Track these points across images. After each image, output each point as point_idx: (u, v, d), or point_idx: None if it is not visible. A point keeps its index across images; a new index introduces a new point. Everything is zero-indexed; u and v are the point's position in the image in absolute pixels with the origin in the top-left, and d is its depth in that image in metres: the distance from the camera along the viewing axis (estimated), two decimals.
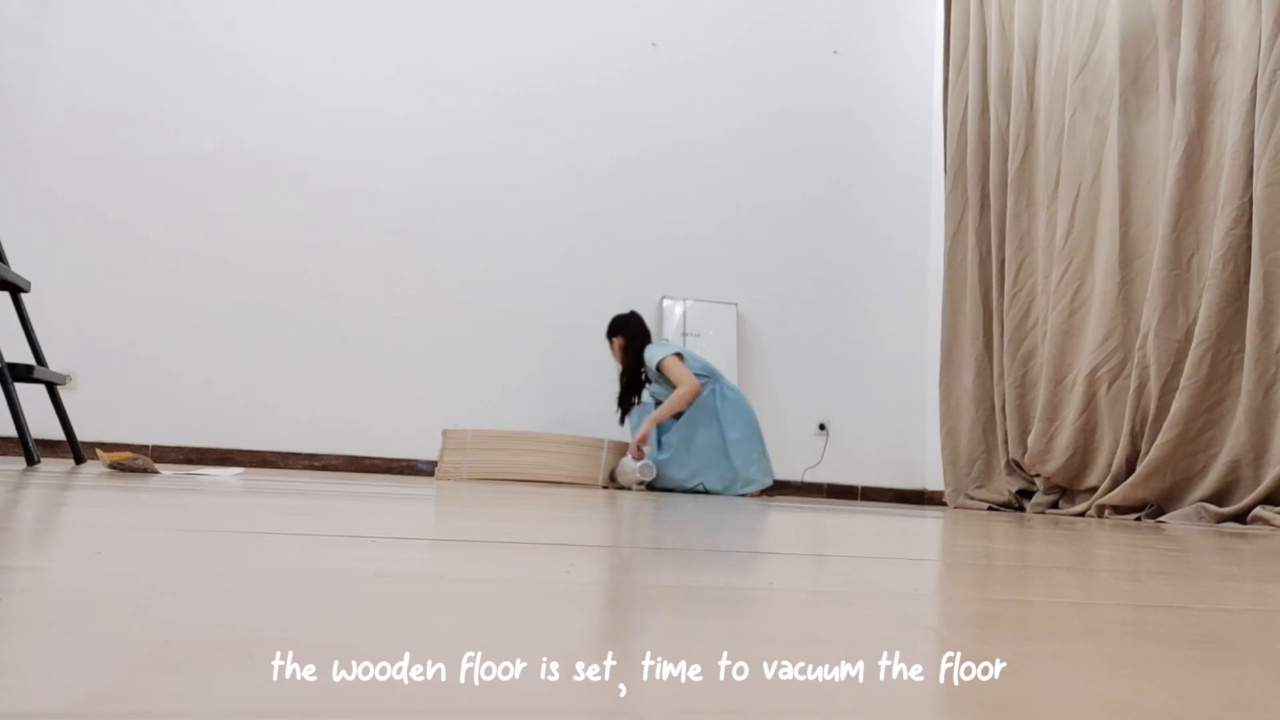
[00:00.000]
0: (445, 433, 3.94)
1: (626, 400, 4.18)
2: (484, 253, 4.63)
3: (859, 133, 5.16)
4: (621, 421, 4.21)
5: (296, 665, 0.33)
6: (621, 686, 0.33)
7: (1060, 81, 3.92)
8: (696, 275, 4.84)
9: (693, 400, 3.97)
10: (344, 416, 4.36)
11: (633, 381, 4.14)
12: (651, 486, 3.99)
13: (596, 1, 4.91)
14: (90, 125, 4.28)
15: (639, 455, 3.94)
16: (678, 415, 4.00)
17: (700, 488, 3.96)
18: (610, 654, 0.39)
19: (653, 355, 4.05)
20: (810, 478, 4.86)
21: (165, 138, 4.34)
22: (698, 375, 4.03)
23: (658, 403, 4.10)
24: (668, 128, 4.91)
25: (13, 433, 3.71)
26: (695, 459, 3.97)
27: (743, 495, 3.98)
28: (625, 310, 4.32)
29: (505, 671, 0.34)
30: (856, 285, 5.06)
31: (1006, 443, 4.09)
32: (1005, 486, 4.06)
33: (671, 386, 4.02)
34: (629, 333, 4.17)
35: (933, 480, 4.83)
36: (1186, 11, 3.26)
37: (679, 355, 4.03)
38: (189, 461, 4.15)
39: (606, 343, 4.27)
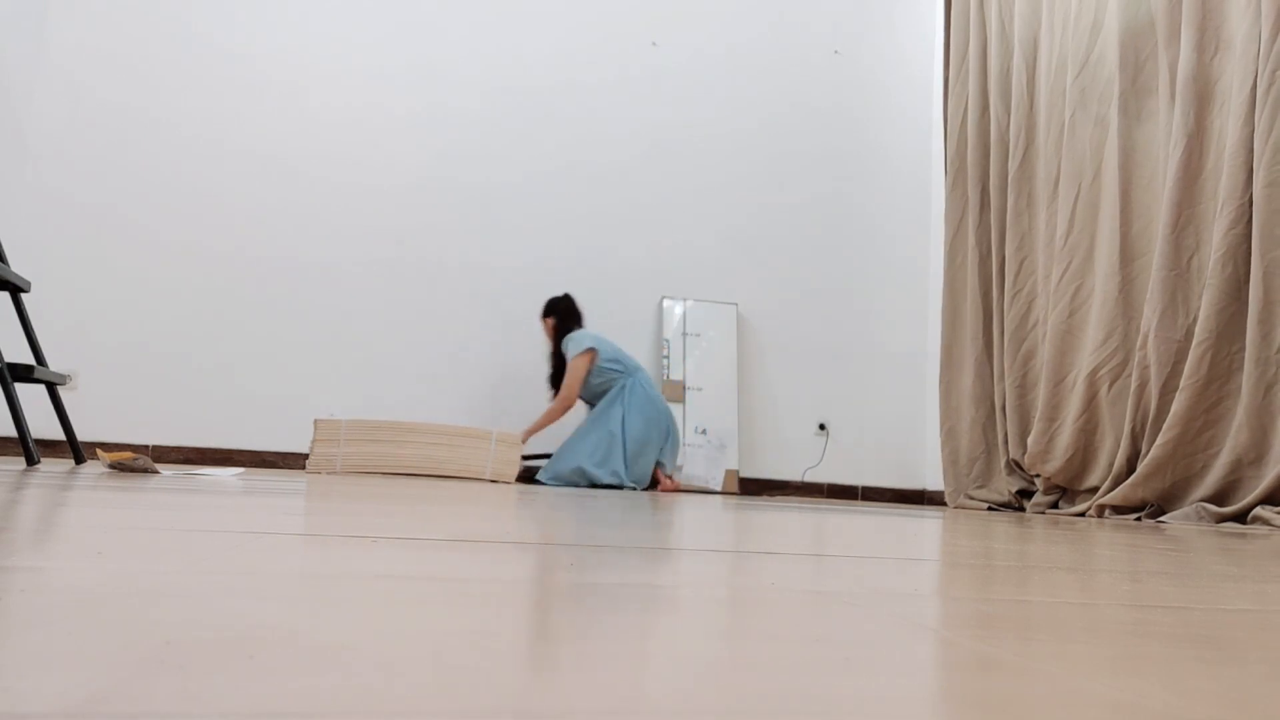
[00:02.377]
0: (317, 422, 3.73)
1: (558, 380, 4.27)
2: (485, 252, 4.63)
3: (859, 133, 5.16)
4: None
5: (296, 665, 0.33)
6: (622, 685, 0.33)
7: (1060, 81, 3.92)
8: (696, 275, 4.84)
9: (562, 415, 4.16)
10: (346, 416, 4.35)
11: (561, 363, 4.25)
12: (534, 478, 4.09)
13: (597, 1, 4.91)
14: (90, 123, 4.27)
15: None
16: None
17: (587, 481, 4.00)
18: (604, 650, 0.39)
19: (569, 348, 4.17)
20: (810, 478, 4.86)
21: (166, 136, 4.34)
22: (607, 366, 4.15)
23: (587, 393, 4.24)
24: (668, 127, 4.91)
25: (13, 433, 3.71)
26: (586, 450, 4.04)
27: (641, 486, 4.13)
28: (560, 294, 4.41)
29: (506, 671, 0.34)
30: (856, 285, 5.06)
31: (1006, 443, 4.09)
32: (1005, 486, 4.06)
33: (589, 375, 4.17)
34: (560, 314, 4.29)
35: (933, 480, 4.83)
36: (1186, 12, 3.26)
37: (590, 351, 4.14)
38: (189, 461, 4.15)
39: (541, 324, 4.37)
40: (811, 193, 5.05)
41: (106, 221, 4.24)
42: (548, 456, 4.19)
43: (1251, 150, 2.99)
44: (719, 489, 4.52)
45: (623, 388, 4.14)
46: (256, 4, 4.52)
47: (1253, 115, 2.99)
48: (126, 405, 4.17)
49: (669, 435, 4.20)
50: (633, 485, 4.04)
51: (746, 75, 5.05)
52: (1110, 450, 3.50)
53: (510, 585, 0.59)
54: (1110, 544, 1.52)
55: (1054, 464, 3.68)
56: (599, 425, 4.08)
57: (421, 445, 3.81)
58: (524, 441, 4.06)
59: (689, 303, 4.78)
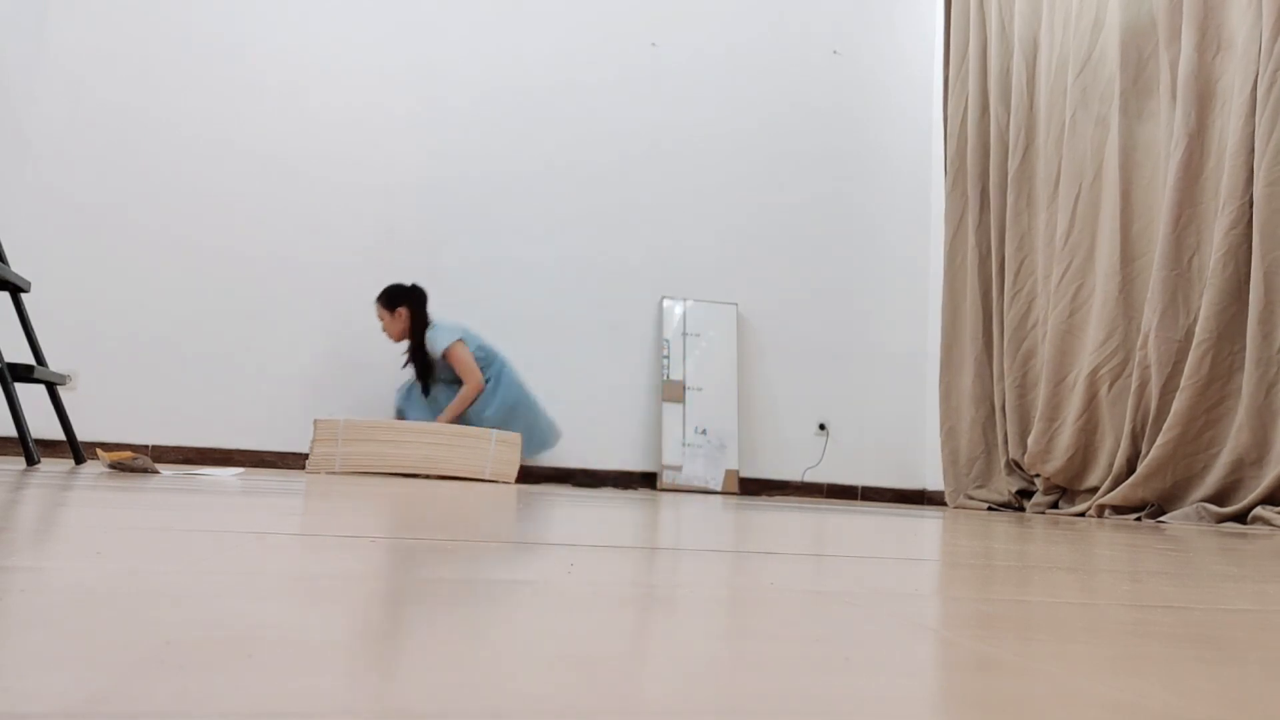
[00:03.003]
0: (316, 422, 3.75)
1: (426, 376, 4.12)
2: (484, 252, 4.63)
3: (859, 133, 5.16)
4: (425, 393, 4.14)
5: (296, 665, 0.33)
6: (623, 684, 0.33)
7: (1060, 81, 3.92)
8: (696, 275, 4.84)
9: (475, 399, 4.05)
10: (345, 416, 4.35)
11: (423, 356, 4.09)
12: None
13: (597, 1, 4.91)
14: (91, 123, 4.27)
15: None
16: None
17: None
18: (604, 650, 0.39)
19: (437, 340, 4.05)
20: (810, 478, 4.86)
21: (166, 136, 4.34)
22: (476, 354, 4.09)
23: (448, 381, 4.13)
24: (668, 127, 4.91)
25: (13, 433, 3.71)
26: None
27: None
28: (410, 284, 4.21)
29: (505, 670, 0.34)
30: (856, 285, 5.06)
31: (1006, 443, 4.09)
32: (1005, 486, 4.06)
33: (453, 371, 4.07)
34: (416, 305, 4.13)
35: (933, 480, 4.83)
36: (1186, 11, 3.26)
37: (461, 340, 4.06)
38: (189, 461, 4.15)
39: (376, 309, 4.15)
40: (811, 193, 5.05)
41: (107, 221, 4.25)
42: None
43: (1252, 150, 2.99)
44: (719, 489, 4.52)
45: (496, 377, 4.11)
46: (256, 4, 4.52)
47: (1254, 115, 2.99)
48: (126, 405, 4.17)
49: (535, 424, 4.18)
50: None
51: (746, 75, 5.05)
52: (1110, 450, 3.50)
53: (510, 586, 0.59)
54: (1110, 544, 1.52)
55: (1054, 464, 3.68)
56: (478, 420, 4.05)
57: (420, 445, 3.80)
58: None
59: (689, 303, 4.78)
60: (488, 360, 4.15)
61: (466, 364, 4.06)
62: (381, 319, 4.17)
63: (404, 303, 4.13)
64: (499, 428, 3.99)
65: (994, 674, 0.39)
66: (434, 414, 4.08)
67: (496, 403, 4.09)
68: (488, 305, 4.60)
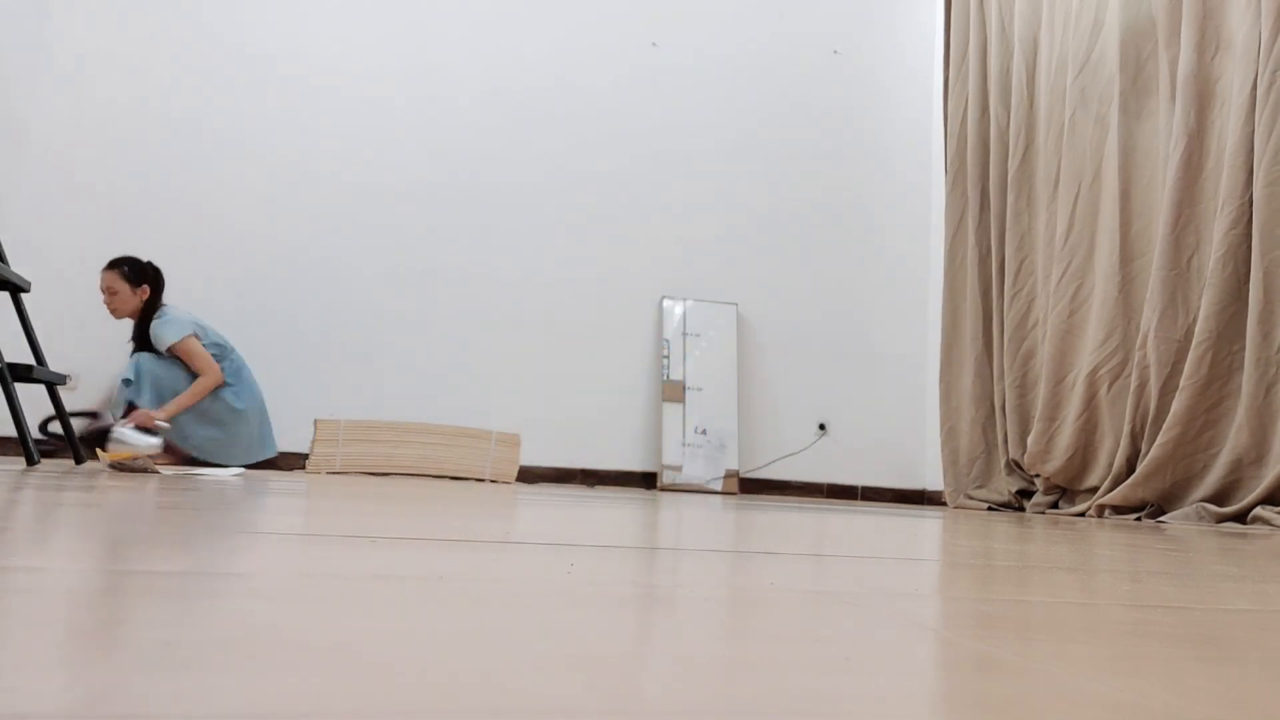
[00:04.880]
0: (317, 422, 3.65)
1: (143, 342, 3.80)
2: (484, 251, 4.63)
3: (859, 133, 5.16)
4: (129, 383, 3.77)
5: (296, 665, 0.33)
6: (624, 683, 0.33)
7: (1060, 81, 3.92)
8: (696, 275, 4.84)
9: (211, 390, 3.75)
10: (343, 416, 4.35)
11: (146, 331, 3.78)
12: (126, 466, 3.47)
13: (597, 1, 4.91)
14: (91, 122, 4.28)
15: (150, 426, 3.42)
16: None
17: (200, 459, 3.71)
18: (604, 650, 0.39)
19: (165, 335, 3.72)
20: (810, 478, 4.86)
21: (166, 136, 4.34)
22: (212, 348, 3.82)
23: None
24: (668, 127, 4.91)
25: (13, 433, 3.70)
26: (200, 433, 3.75)
27: (252, 466, 3.83)
28: None
29: (507, 671, 0.34)
30: (856, 285, 5.06)
31: (1006, 443, 4.09)
32: (1005, 486, 4.06)
33: (175, 362, 3.76)
34: (154, 284, 3.83)
35: (933, 480, 4.83)
36: (1186, 11, 3.26)
37: (194, 335, 3.76)
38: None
39: (109, 276, 3.75)
40: (811, 193, 5.05)
41: (107, 220, 4.24)
42: (94, 415, 3.62)
43: (1252, 150, 2.99)
44: (719, 489, 4.52)
45: (237, 368, 3.89)
46: (257, 4, 4.52)
47: (1253, 115, 2.99)
48: None
49: (263, 409, 3.97)
50: (244, 463, 3.80)
51: (746, 75, 5.05)
52: (1110, 450, 3.50)
53: (509, 585, 0.59)
54: (1110, 544, 1.52)
55: (1054, 464, 3.68)
56: (227, 412, 3.80)
57: (421, 445, 3.80)
58: (168, 419, 3.57)
59: (689, 303, 4.78)
60: (223, 353, 3.87)
61: (203, 357, 3.75)
62: (115, 290, 3.76)
63: (143, 279, 3.80)
64: (260, 410, 3.78)
65: (994, 674, 0.39)
66: (159, 400, 3.67)
67: (248, 396, 3.85)
68: (487, 304, 4.60)
